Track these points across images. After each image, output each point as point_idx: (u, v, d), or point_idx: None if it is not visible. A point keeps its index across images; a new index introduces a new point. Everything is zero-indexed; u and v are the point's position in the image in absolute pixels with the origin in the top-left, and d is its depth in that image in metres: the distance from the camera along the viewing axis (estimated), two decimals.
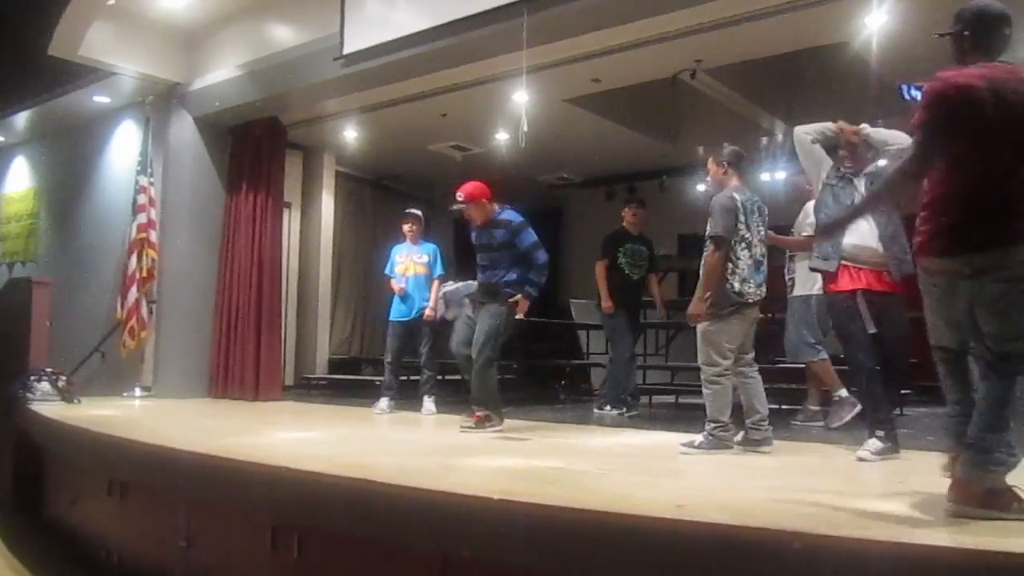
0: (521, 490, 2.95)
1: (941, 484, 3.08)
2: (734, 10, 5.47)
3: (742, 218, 4.33)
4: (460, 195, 5.38)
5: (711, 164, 4.62)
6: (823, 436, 5.02)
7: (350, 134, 9.19)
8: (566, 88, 7.40)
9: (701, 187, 5.39)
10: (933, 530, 2.41)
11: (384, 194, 11.57)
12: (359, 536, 3.29)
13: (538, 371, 10.11)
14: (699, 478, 3.46)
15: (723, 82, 7.15)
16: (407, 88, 7.31)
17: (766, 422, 4.38)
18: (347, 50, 6.82)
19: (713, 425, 4.31)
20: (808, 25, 5.80)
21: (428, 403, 6.74)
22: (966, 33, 2.72)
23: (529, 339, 10.26)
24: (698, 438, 4.34)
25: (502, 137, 8.81)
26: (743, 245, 4.33)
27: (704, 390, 4.38)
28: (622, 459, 4.20)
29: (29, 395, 6.95)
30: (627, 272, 6.61)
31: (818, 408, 5.71)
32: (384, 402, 6.83)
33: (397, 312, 6.97)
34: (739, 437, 4.38)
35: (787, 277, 5.89)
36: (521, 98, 6.24)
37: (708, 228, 4.39)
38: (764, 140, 8.57)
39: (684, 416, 6.20)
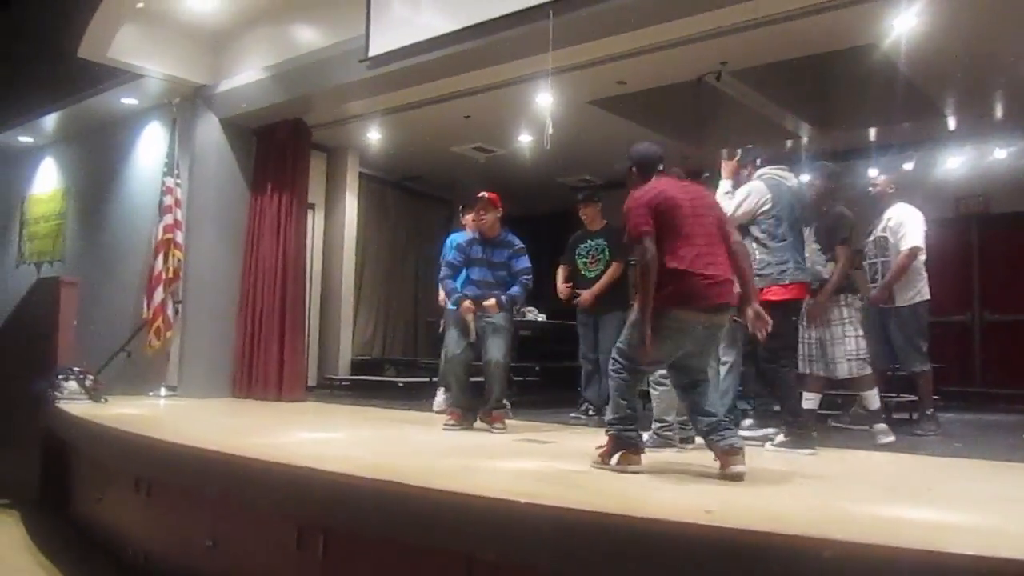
0: (546, 493, 2.95)
1: (970, 492, 3.06)
2: (760, 12, 5.43)
3: None
4: (493, 199, 5.80)
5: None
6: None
7: (374, 135, 9.23)
8: (591, 90, 7.38)
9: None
10: (964, 538, 2.38)
11: (406, 195, 11.61)
12: (384, 537, 3.30)
13: (560, 373, 10.07)
14: (724, 483, 3.43)
15: (748, 84, 7.10)
16: (431, 90, 7.31)
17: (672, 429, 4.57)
18: (372, 52, 6.85)
19: (658, 425, 4.52)
20: (835, 27, 5.75)
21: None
22: (633, 169, 3.97)
23: (551, 341, 10.25)
24: (644, 435, 4.31)
25: (525, 139, 8.80)
26: None
27: (651, 391, 4.57)
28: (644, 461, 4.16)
29: (57, 394, 7.03)
30: (583, 272, 6.61)
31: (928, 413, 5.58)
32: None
33: None
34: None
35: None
36: (545, 100, 6.23)
37: None
38: (789, 143, 8.51)
39: None
